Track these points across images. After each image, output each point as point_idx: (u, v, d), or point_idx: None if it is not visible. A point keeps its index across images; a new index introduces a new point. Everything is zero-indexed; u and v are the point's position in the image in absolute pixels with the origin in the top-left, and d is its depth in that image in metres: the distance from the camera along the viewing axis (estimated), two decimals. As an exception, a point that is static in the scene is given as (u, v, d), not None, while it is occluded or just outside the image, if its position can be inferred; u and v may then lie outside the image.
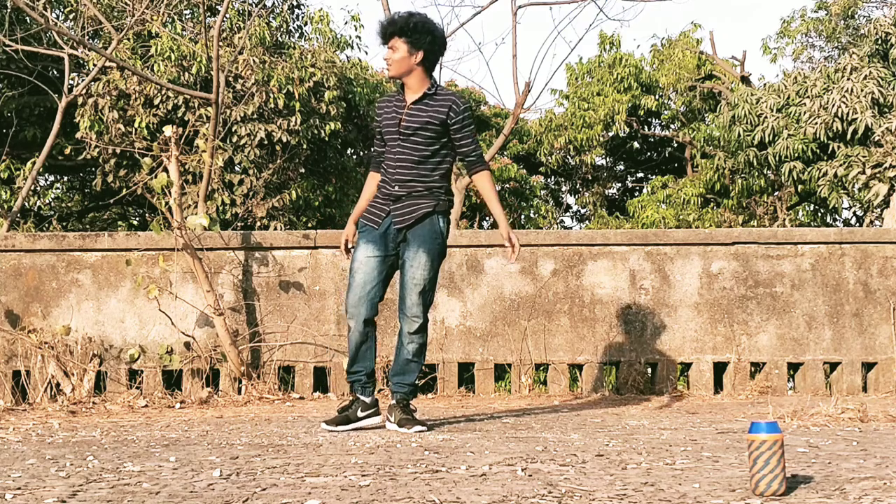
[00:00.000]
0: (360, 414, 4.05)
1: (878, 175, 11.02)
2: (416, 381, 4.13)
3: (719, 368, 6.04)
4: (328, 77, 9.69)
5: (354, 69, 11.31)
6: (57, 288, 6.00)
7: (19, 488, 2.53)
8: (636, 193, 19.47)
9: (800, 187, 13.73)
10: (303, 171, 9.74)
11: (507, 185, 17.01)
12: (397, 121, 4.05)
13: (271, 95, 9.19)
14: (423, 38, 4.02)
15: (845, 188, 11.72)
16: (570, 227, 21.28)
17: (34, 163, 7.58)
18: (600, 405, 5.26)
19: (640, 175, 20.78)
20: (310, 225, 10.00)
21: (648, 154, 20.39)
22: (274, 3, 11.24)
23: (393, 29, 4.03)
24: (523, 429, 4.04)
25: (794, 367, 6.03)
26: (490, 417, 4.58)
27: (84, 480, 2.65)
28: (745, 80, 16.53)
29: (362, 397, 4.08)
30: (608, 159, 20.01)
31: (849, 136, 11.71)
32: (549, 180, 20.20)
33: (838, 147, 11.79)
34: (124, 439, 3.74)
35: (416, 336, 4.06)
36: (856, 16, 15.97)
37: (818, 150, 12.13)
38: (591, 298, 6.02)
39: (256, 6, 9.88)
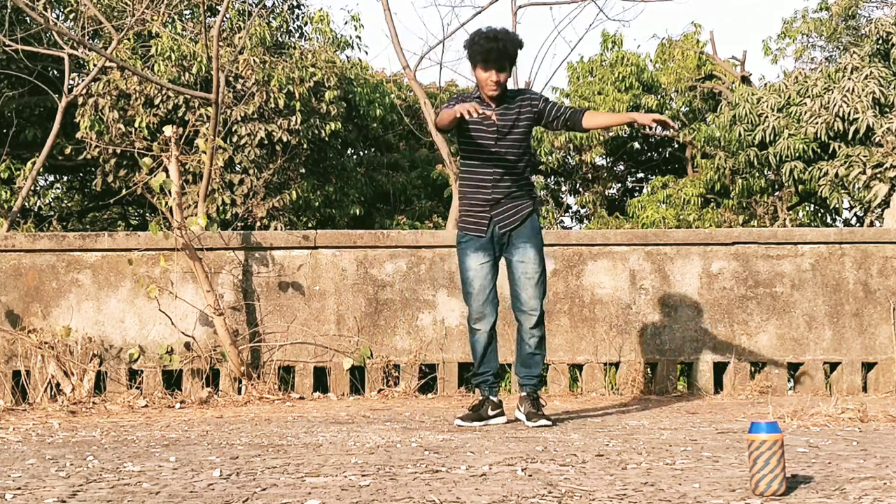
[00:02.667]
0: (490, 412, 4.25)
1: (878, 175, 11.02)
2: (541, 372, 4.33)
3: (719, 368, 6.04)
4: (328, 77, 9.70)
5: (354, 69, 11.32)
6: (57, 288, 6.00)
7: (19, 488, 2.53)
8: (636, 193, 19.47)
9: (800, 187, 13.73)
10: (303, 171, 9.74)
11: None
12: (491, 122, 4.13)
13: (271, 95, 9.19)
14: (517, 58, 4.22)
15: (846, 188, 11.71)
16: (570, 227, 21.28)
17: (34, 163, 7.58)
18: (600, 405, 5.26)
19: (641, 175, 20.78)
20: (310, 225, 10.00)
21: (649, 154, 20.38)
22: (274, 3, 11.24)
23: (515, 59, 4.15)
24: (523, 429, 4.04)
25: (794, 367, 6.03)
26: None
27: (84, 480, 2.65)
28: (745, 80, 16.54)
29: (492, 397, 4.29)
30: (608, 159, 20.01)
31: (850, 136, 11.70)
32: (548, 180, 20.19)
33: (839, 147, 11.79)
34: (124, 439, 3.74)
35: (536, 329, 4.23)
36: (856, 16, 15.97)
37: (819, 150, 12.12)
38: (591, 298, 6.02)
39: (256, 6, 9.88)
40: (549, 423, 4.09)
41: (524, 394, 4.26)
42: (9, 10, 8.31)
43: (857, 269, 6.04)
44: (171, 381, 5.95)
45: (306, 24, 11.32)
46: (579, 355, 5.97)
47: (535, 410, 4.17)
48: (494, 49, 4.07)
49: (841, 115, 11.70)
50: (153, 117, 9.10)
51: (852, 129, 11.65)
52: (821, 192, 12.03)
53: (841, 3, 15.57)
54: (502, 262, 4.31)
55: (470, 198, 4.23)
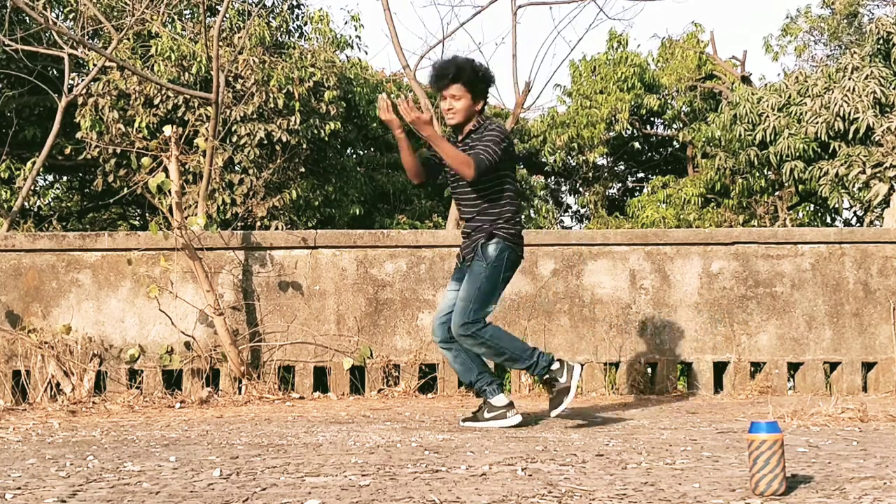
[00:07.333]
0: (486, 415, 4.21)
1: (878, 175, 11.02)
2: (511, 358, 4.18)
3: (719, 368, 6.04)
4: (328, 77, 9.70)
5: (354, 69, 11.32)
6: (57, 288, 6.00)
7: (19, 488, 2.53)
8: (636, 193, 19.47)
9: (800, 187, 13.73)
10: (303, 170, 9.74)
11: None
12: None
13: (271, 95, 9.19)
14: (485, 87, 4.15)
15: (846, 188, 11.72)
16: (570, 227, 21.28)
17: (34, 163, 7.58)
18: (600, 405, 5.26)
19: (641, 175, 20.78)
20: (310, 225, 10.00)
21: (649, 154, 20.39)
22: (274, 3, 11.24)
23: (458, 77, 4.06)
24: (523, 429, 4.04)
25: (794, 367, 6.03)
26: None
27: (84, 480, 2.65)
28: (745, 79, 16.55)
29: (490, 400, 4.23)
30: (609, 159, 20.02)
31: (850, 136, 11.70)
32: (549, 180, 20.21)
33: (839, 146, 11.79)
34: (124, 439, 3.74)
35: (467, 341, 4.11)
36: (858, 14, 15.97)
37: (819, 150, 12.13)
38: (591, 298, 6.02)
39: (256, 6, 9.88)
40: (566, 408, 4.05)
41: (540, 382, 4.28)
42: (9, 10, 8.30)
43: (857, 268, 6.04)
44: (171, 381, 5.95)
45: (306, 23, 11.33)
46: (579, 355, 5.97)
47: (551, 394, 4.10)
48: (436, 73, 4.07)
49: (841, 114, 11.70)
50: (153, 117, 9.10)
51: (852, 128, 11.64)
52: (821, 191, 12.03)
53: (842, 1, 15.58)
54: None
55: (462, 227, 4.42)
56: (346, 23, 11.51)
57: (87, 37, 8.99)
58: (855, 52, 12.21)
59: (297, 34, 11.38)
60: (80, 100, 9.19)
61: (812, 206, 15.37)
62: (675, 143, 19.31)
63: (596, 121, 17.34)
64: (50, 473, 2.79)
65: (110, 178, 9.58)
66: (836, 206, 13.18)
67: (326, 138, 9.79)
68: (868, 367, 6.04)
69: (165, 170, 5.73)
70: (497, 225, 4.14)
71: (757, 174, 14.14)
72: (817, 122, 11.89)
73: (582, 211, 21.16)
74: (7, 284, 5.98)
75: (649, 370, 6.06)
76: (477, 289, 4.11)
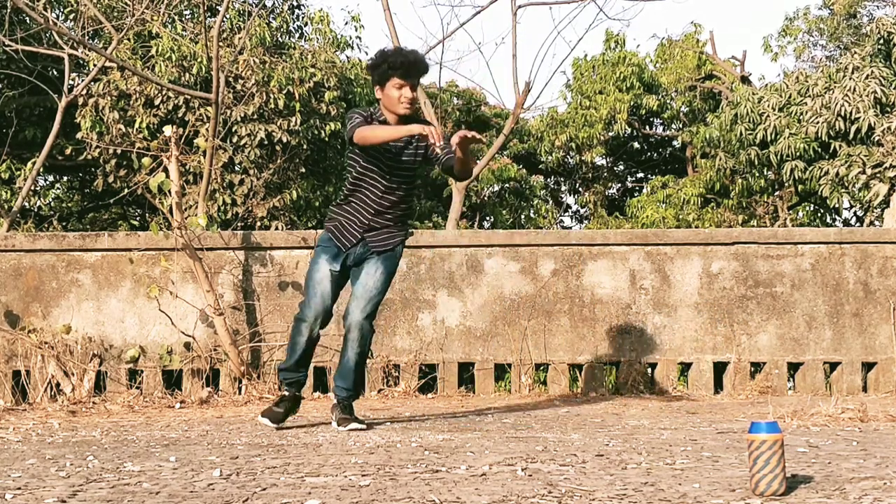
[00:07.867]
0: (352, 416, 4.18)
1: (878, 175, 11.02)
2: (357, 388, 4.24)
3: (719, 368, 6.04)
4: (328, 77, 9.70)
5: (354, 69, 11.32)
6: (57, 288, 6.00)
7: (19, 488, 2.53)
8: (636, 193, 19.47)
9: (800, 187, 13.74)
10: (303, 171, 9.75)
11: (507, 185, 17.01)
12: (392, 153, 4.07)
13: (271, 96, 9.19)
14: None
15: (846, 188, 11.72)
16: (570, 227, 21.28)
17: (34, 163, 7.58)
18: (600, 405, 5.26)
19: (641, 175, 20.78)
20: (310, 225, 10.00)
21: (649, 154, 20.39)
22: (274, 3, 11.24)
23: (426, 73, 4.15)
24: (523, 429, 4.04)
25: (794, 367, 6.03)
26: (490, 417, 4.58)
27: (84, 480, 2.65)
28: (745, 79, 16.56)
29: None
30: (608, 159, 20.02)
31: (851, 136, 11.71)
32: (548, 180, 20.22)
33: (840, 146, 11.79)
34: (124, 439, 3.74)
35: (358, 344, 4.10)
36: (857, 15, 15.98)
37: (819, 150, 12.13)
38: (591, 298, 6.02)
39: (256, 6, 9.88)
40: (363, 426, 4.04)
41: (335, 402, 4.20)
42: (9, 10, 8.30)
43: (857, 269, 6.04)
44: (171, 381, 5.95)
45: (306, 24, 11.32)
46: (579, 355, 5.97)
47: (347, 416, 4.09)
48: (415, 62, 4.05)
49: (842, 114, 11.70)
50: (153, 118, 9.10)
51: (853, 128, 11.65)
52: (821, 191, 12.04)
53: (842, 2, 15.58)
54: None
55: (348, 217, 4.16)
56: (346, 23, 11.50)
57: (87, 37, 8.99)
58: (855, 52, 12.22)
59: (297, 35, 11.37)
60: (81, 100, 9.19)
61: (812, 206, 15.37)
62: (674, 143, 19.32)
63: (594, 121, 17.35)
64: (50, 473, 2.79)
65: (110, 179, 9.58)
66: (836, 206, 13.18)
67: (327, 139, 9.79)
68: (868, 367, 6.04)
69: (165, 170, 5.73)
70: (408, 224, 4.30)
71: (757, 174, 14.14)
72: (818, 122, 11.90)
73: (582, 211, 21.17)
74: (7, 284, 5.98)
75: (649, 370, 6.05)
76: (388, 283, 4.19)
